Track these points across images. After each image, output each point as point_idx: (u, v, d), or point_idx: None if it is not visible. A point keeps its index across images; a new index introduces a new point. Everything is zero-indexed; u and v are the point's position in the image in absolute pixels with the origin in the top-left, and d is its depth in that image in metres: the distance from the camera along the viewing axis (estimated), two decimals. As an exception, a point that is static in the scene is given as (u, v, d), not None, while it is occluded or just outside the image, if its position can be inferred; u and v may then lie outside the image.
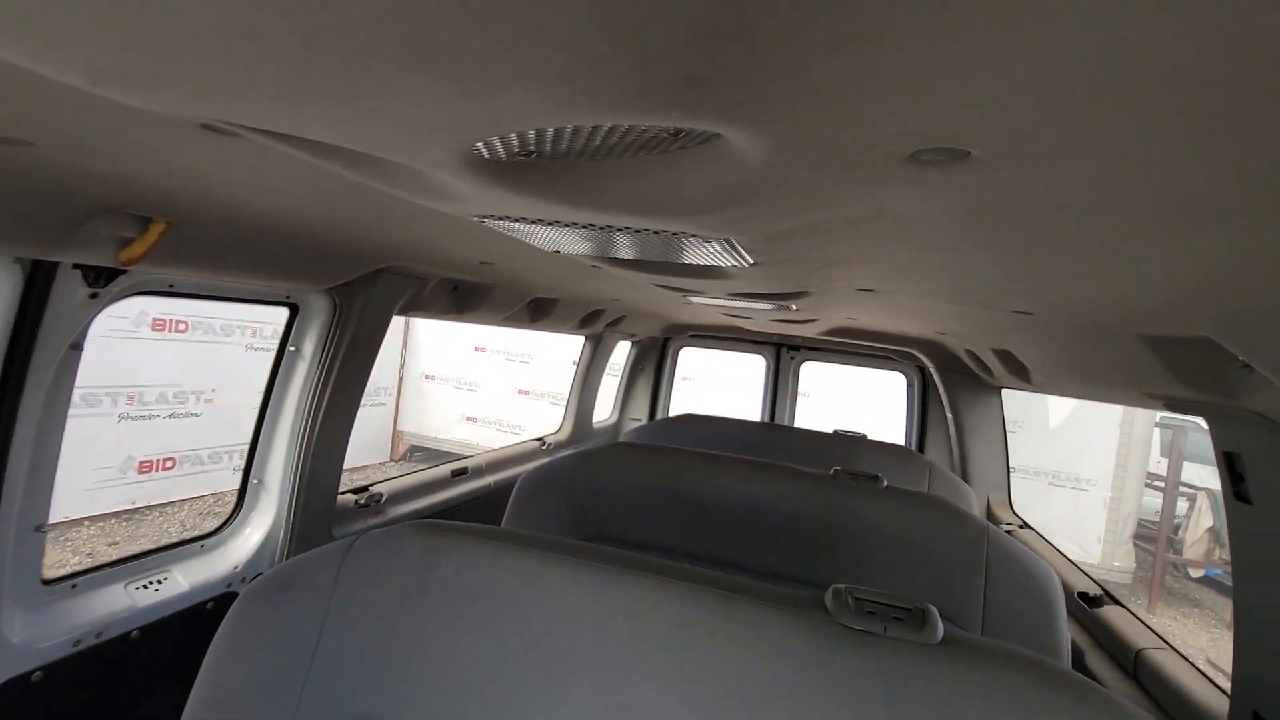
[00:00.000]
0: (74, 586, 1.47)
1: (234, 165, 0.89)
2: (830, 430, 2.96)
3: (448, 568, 0.92)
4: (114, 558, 1.62)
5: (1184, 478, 7.42)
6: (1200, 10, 0.29)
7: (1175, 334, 1.20)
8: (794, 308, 2.08)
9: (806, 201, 0.68)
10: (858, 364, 4.15)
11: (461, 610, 0.88)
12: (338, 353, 1.89)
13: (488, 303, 2.39)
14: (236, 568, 1.81)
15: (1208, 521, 7.13)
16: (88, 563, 4.94)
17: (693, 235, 0.88)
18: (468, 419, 8.42)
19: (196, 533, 1.87)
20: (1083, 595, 2.22)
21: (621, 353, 4.38)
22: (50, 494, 1.37)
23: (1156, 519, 7.26)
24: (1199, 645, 6.04)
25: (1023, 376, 2.44)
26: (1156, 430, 7.35)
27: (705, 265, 1.20)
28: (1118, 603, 2.18)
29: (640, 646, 0.81)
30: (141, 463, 5.82)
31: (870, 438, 2.89)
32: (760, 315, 2.60)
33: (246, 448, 1.94)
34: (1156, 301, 1.01)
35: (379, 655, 0.87)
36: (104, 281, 1.29)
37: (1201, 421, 1.42)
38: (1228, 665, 1.36)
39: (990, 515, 3.24)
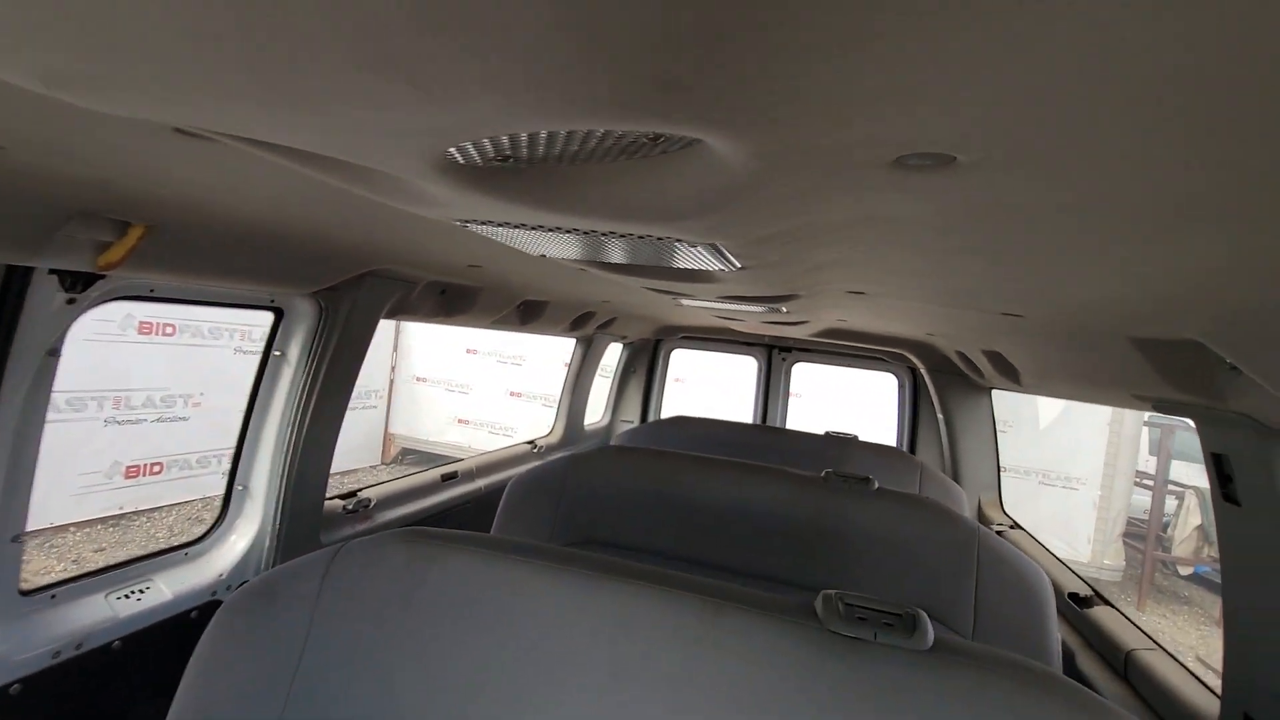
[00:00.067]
0: (53, 597, 1.44)
1: (212, 169, 0.87)
2: (822, 432, 2.96)
3: (434, 576, 0.91)
4: (100, 564, 1.59)
5: (1172, 476, 7.48)
6: (1188, 15, 0.29)
7: (1164, 337, 1.20)
8: (784, 310, 2.08)
9: (791, 206, 0.67)
10: (849, 365, 4.16)
11: (448, 619, 0.87)
12: (324, 357, 1.87)
13: (477, 306, 2.37)
14: (221, 575, 1.79)
15: (1196, 519, 7.19)
16: (73, 569, 4.88)
17: (678, 240, 0.87)
18: (459, 421, 8.38)
19: (180, 540, 1.84)
20: (1073, 596, 2.23)
21: (613, 354, 4.37)
22: (28, 504, 1.34)
23: (1146, 517, 7.32)
24: (1188, 643, 6.09)
25: (1013, 378, 2.44)
26: (1145, 429, 7.41)
27: (693, 269, 1.19)
28: (1108, 603, 2.18)
29: (629, 655, 0.80)
30: (128, 467, 5.75)
31: (861, 439, 2.89)
32: (751, 317, 2.59)
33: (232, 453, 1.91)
34: (1145, 305, 1.01)
35: (364, 666, 0.86)
36: (81, 287, 1.27)
37: (1189, 420, 1.42)
38: (1217, 663, 1.36)
39: (981, 516, 3.25)
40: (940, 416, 3.49)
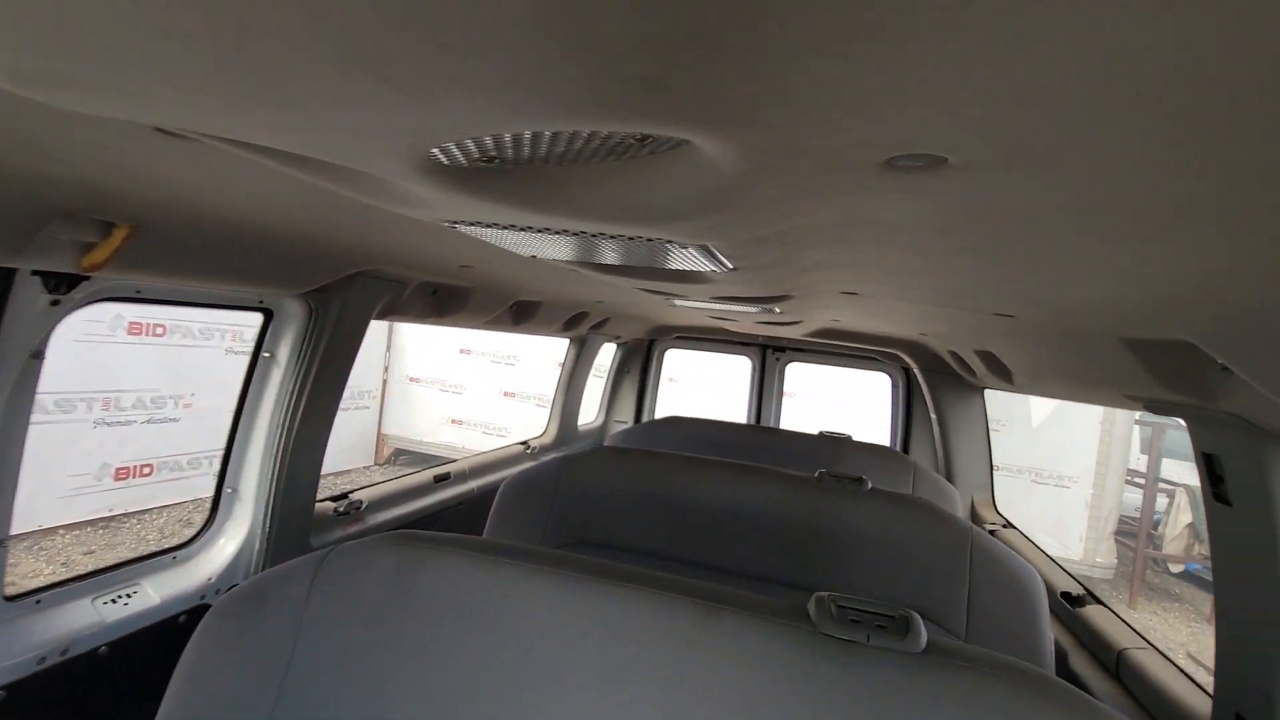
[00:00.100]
0: (38, 602, 1.42)
1: (197, 169, 0.86)
2: (815, 431, 2.96)
3: (423, 580, 0.90)
4: (88, 568, 1.57)
5: (1163, 474, 7.53)
6: (1180, 17, 0.28)
7: (1156, 337, 1.20)
8: (778, 310, 2.08)
9: (783, 208, 0.67)
10: (843, 365, 4.16)
11: (438, 623, 0.86)
12: (314, 358, 1.86)
13: (469, 306, 2.36)
14: (210, 579, 1.77)
15: (1186, 517, 7.24)
16: (63, 572, 4.84)
17: (669, 241, 0.86)
18: (453, 422, 8.36)
19: (169, 543, 1.83)
20: (1065, 595, 2.24)
21: (607, 354, 4.36)
22: (11, 507, 1.32)
23: (1137, 515, 7.36)
24: (1179, 640, 6.13)
25: (1005, 377, 2.45)
26: (1136, 428, 7.46)
27: (685, 270, 1.18)
28: (1100, 602, 2.19)
29: (621, 658, 0.80)
30: (118, 469, 5.71)
31: (855, 438, 2.89)
32: (744, 317, 2.59)
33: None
34: (1137, 306, 1.01)
35: (354, 670, 0.85)
36: (65, 288, 1.25)
37: (1180, 419, 1.43)
38: (1208, 659, 1.37)
39: (974, 515, 3.25)
40: (933, 416, 3.50)
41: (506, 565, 0.90)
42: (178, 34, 0.30)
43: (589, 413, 4.37)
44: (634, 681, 0.78)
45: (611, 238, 0.86)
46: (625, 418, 4.49)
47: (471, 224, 0.89)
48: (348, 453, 7.83)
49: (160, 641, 1.60)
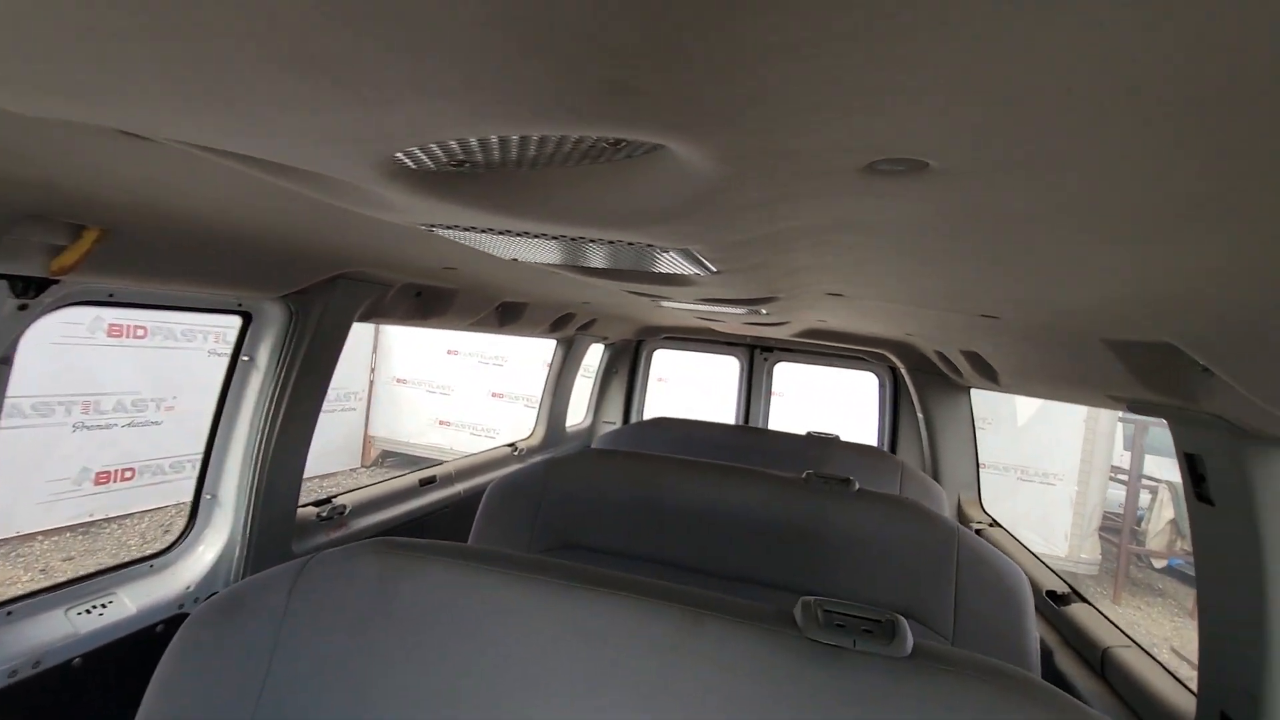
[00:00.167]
0: (9, 614, 1.39)
1: (168, 171, 0.84)
2: (803, 432, 2.97)
3: (404, 588, 0.89)
4: (69, 574, 1.54)
5: (1146, 470, 7.63)
6: (1157, 21, 0.27)
7: (1138, 339, 1.21)
8: (764, 311, 2.07)
9: (763, 212, 0.66)
10: (830, 365, 4.17)
11: (419, 632, 0.85)
12: (294, 362, 1.83)
13: (453, 308, 2.34)
14: (189, 588, 1.74)
15: (1169, 513, 7.34)
16: (41, 579, 4.76)
17: (649, 245, 0.85)
18: (441, 423, 8.30)
19: (151, 549, 1.79)
20: (1051, 594, 2.25)
21: (595, 355, 4.34)
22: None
23: (1121, 511, 7.45)
24: (1163, 634, 6.21)
25: (991, 377, 2.46)
26: (1119, 425, 7.55)
27: (670, 273, 1.18)
28: (1085, 600, 2.21)
29: (605, 666, 0.79)
30: (99, 473, 5.62)
31: (843, 439, 2.90)
32: (731, 318, 2.59)
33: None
34: (1118, 308, 1.01)
35: (334, 680, 0.84)
36: (34, 292, 1.22)
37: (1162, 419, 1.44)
38: (1191, 654, 1.38)
39: (961, 514, 3.27)
40: (920, 416, 3.52)
41: (488, 572, 0.89)
42: (109, 34, 0.28)
43: (577, 414, 4.36)
44: (618, 689, 0.78)
45: (592, 241, 0.85)
46: (614, 418, 4.48)
47: (449, 228, 0.87)
48: (334, 455, 7.76)
49: (137, 652, 1.57)
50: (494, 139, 0.45)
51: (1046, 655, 1.96)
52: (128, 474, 5.80)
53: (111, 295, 1.43)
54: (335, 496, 2.35)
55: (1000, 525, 3.10)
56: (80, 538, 5.49)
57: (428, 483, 2.83)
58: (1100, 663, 1.83)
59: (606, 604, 0.84)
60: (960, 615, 1.48)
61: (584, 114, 0.37)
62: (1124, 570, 7.14)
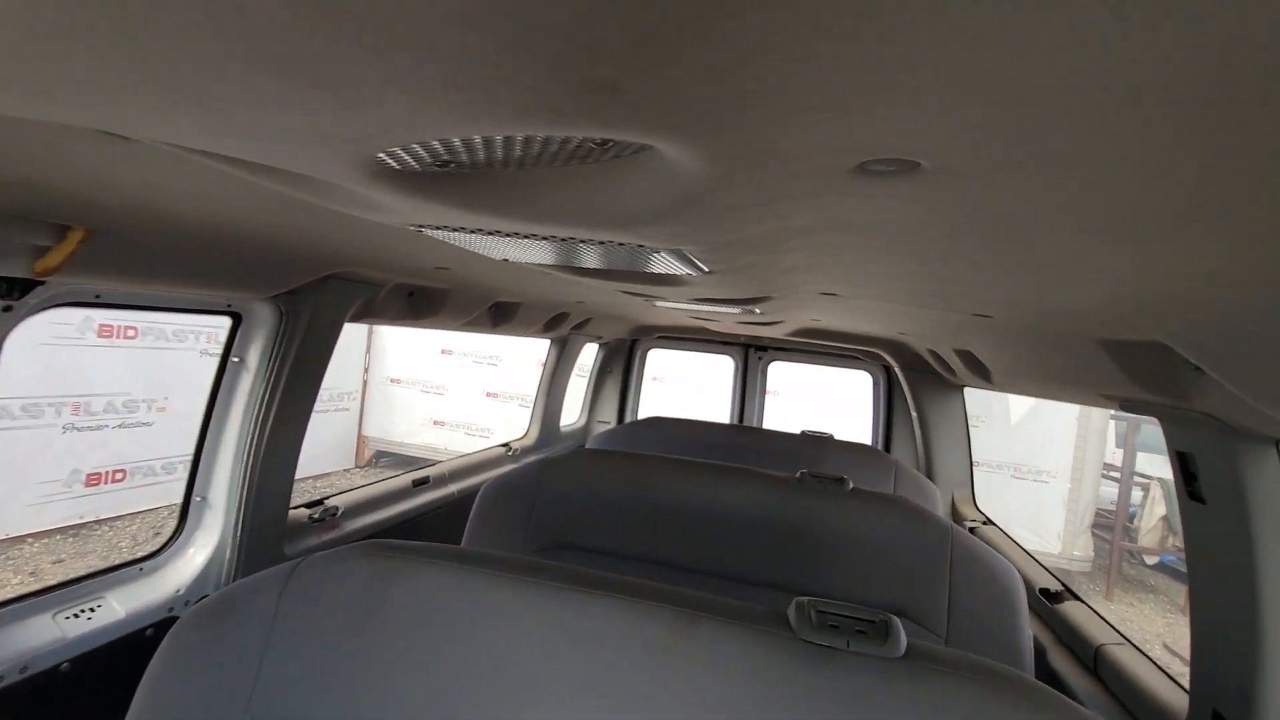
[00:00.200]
0: (-5, 619, 1.37)
1: (154, 171, 0.83)
2: (798, 431, 2.97)
3: (395, 591, 0.89)
4: (59, 576, 1.53)
5: (1138, 468, 7.67)
6: (1149, 21, 0.27)
7: (1129, 338, 1.21)
8: (758, 311, 2.07)
9: (754, 212, 0.65)
10: (824, 363, 4.18)
11: (410, 635, 0.85)
12: (285, 363, 1.81)
13: (446, 308, 2.33)
14: (179, 591, 1.72)
15: (1161, 510, 7.38)
16: (31, 582, 4.72)
17: (640, 245, 0.85)
18: (435, 423, 8.28)
19: (143, 551, 1.78)
20: (1044, 591, 2.26)
21: (589, 354, 4.34)
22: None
23: (1113, 508, 7.49)
24: (1155, 630, 6.24)
25: (984, 376, 2.47)
26: (1111, 422, 7.59)
27: (663, 273, 1.17)
28: (1078, 598, 2.21)
29: (601, 668, 0.79)
30: (89, 475, 5.58)
31: (837, 437, 2.90)
32: (725, 318, 2.59)
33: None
34: (1111, 308, 1.01)
35: (325, 684, 0.84)
36: (19, 293, 1.21)
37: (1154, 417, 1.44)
38: (1184, 649, 1.38)
39: (954, 512, 3.28)
40: (914, 414, 3.53)
41: (480, 574, 0.88)
42: (82, 32, 0.28)
43: (572, 414, 4.35)
44: (611, 691, 0.78)
45: (583, 242, 0.84)
46: (608, 418, 4.47)
47: (437, 228, 0.86)
48: (327, 455, 7.73)
49: (126, 656, 1.55)
50: (478, 139, 0.45)
51: (1040, 653, 1.97)
52: (119, 475, 5.77)
53: (98, 296, 1.42)
54: (328, 498, 2.34)
55: (994, 523, 3.11)
56: (71, 540, 5.45)
57: (421, 483, 2.82)
58: (1093, 660, 1.84)
59: (600, 606, 0.84)
60: (954, 614, 1.48)
61: (567, 114, 0.37)
62: (1117, 567, 7.18)
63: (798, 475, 1.70)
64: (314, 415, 1.97)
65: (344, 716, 0.81)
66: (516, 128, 0.40)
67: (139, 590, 1.66)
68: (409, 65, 0.30)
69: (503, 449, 3.65)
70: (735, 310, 2.05)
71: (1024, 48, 0.30)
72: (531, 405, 4.04)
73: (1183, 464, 1.36)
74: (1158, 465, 7.35)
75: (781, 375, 4.56)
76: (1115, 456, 7.80)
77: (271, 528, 1.93)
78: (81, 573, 1.59)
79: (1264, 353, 0.84)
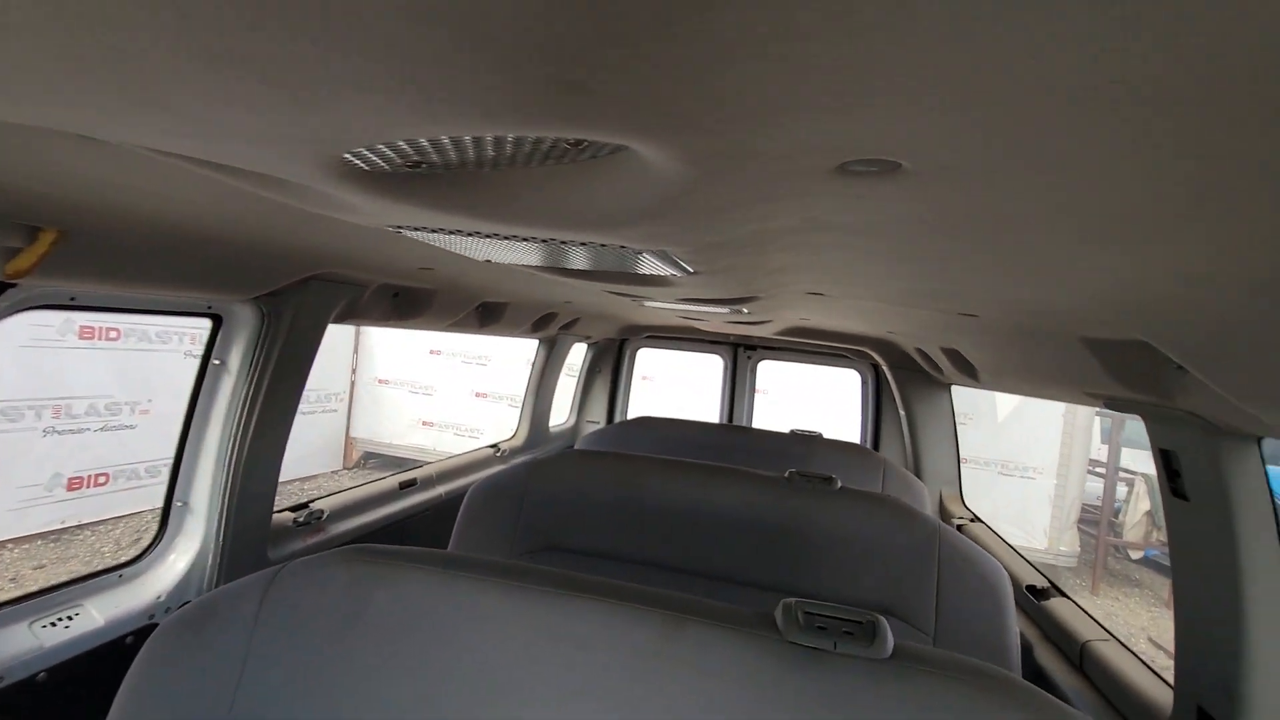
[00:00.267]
0: (-32, 629, 1.34)
1: (126, 172, 0.81)
2: (787, 430, 2.97)
3: (379, 596, 0.88)
4: (41, 582, 1.50)
5: (1123, 463, 7.76)
6: (1129, 22, 0.26)
7: (1113, 337, 1.22)
8: (745, 310, 2.07)
9: (736, 213, 0.65)
10: (813, 362, 4.19)
11: (394, 641, 0.84)
12: (267, 365, 1.79)
13: (432, 309, 2.30)
14: (160, 597, 1.69)
15: (1145, 505, 7.47)
16: (11, 588, 4.64)
17: (622, 246, 0.84)
18: (424, 424, 8.23)
19: (126, 556, 1.75)
20: (1030, 588, 2.27)
21: (578, 354, 4.32)
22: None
23: (1099, 504, 7.57)
24: (1140, 624, 6.32)
25: (971, 374, 2.48)
26: (1096, 419, 7.67)
27: (648, 274, 1.16)
28: (1063, 594, 2.23)
29: (588, 672, 0.78)
30: (71, 479, 5.50)
31: (826, 436, 2.91)
32: (714, 318, 2.58)
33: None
34: (1093, 307, 1.01)
35: (307, 692, 0.82)
36: (-11, 296, 1.18)
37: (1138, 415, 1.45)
38: (1168, 643, 1.39)
39: (942, 509, 3.30)
40: (902, 413, 3.54)
41: (464, 579, 0.88)
42: (17, 26, 0.26)
43: (561, 413, 4.33)
44: (598, 695, 0.77)
45: (565, 243, 0.83)
46: (597, 418, 4.46)
47: (416, 229, 0.85)
48: (315, 457, 7.67)
49: (106, 665, 1.53)
50: (446, 140, 0.43)
51: (1026, 650, 1.98)
52: (101, 479, 5.69)
53: (73, 299, 1.39)
54: (313, 501, 2.31)
55: (981, 520, 3.13)
56: (52, 545, 5.37)
57: (408, 485, 2.79)
58: (1079, 657, 1.85)
59: (586, 609, 0.83)
60: (942, 612, 1.48)
61: (535, 114, 0.36)
62: (1102, 562, 7.26)
63: (786, 475, 1.70)
64: (301, 417, 1.95)
65: None
66: (484, 128, 0.39)
67: (118, 597, 1.63)
68: (364, 63, 0.29)
69: (491, 450, 3.63)
70: (723, 310, 2.05)
71: (1002, 49, 0.30)
72: (520, 405, 4.02)
73: (1166, 461, 1.37)
74: (1142, 461, 7.44)
75: (771, 374, 4.56)
76: (1100, 452, 7.89)
77: (255, 532, 1.90)
78: (63, 579, 1.56)
79: (1246, 352, 0.85)
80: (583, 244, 0.83)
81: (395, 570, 0.89)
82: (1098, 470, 7.72)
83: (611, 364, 4.47)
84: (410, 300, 2.22)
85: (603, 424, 4.39)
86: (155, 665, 0.87)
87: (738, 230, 0.74)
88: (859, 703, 0.74)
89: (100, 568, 1.65)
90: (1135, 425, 7.57)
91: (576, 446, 2.80)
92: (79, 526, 5.60)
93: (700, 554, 1.61)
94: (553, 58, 0.28)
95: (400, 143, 0.43)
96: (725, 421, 4.29)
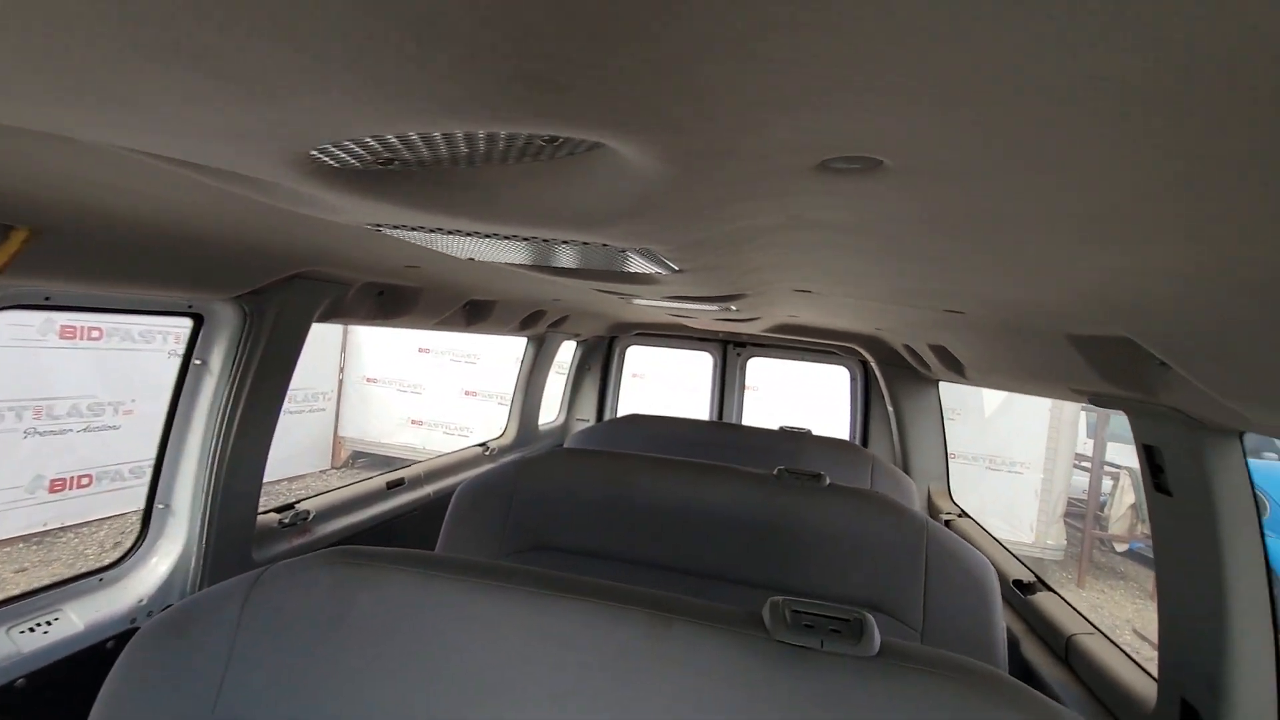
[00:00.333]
0: (-56, 636, 1.32)
1: (97, 169, 0.79)
2: (776, 426, 2.98)
3: (363, 599, 0.87)
4: (22, 586, 1.47)
5: (1108, 457, 7.84)
6: (1113, 19, 0.26)
7: (1097, 334, 1.22)
8: (734, 308, 2.07)
9: (717, 211, 0.64)
10: (802, 359, 4.20)
11: (378, 644, 0.83)
12: (250, 365, 1.76)
13: (418, 307, 2.29)
14: (141, 601, 1.67)
15: (1130, 498, 7.56)
16: (-8, 592, 4.57)
17: (604, 245, 0.83)
18: (413, 422, 8.18)
19: (102, 561, 1.72)
20: (1017, 583, 2.29)
21: (567, 352, 4.31)
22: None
23: (1085, 497, 7.65)
24: (1125, 616, 6.39)
25: (958, 371, 2.49)
26: (1082, 414, 7.74)
27: (634, 272, 1.15)
28: (1049, 589, 2.25)
29: (574, 673, 0.78)
30: (53, 481, 5.42)
31: (815, 433, 2.92)
32: (703, 315, 2.58)
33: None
34: (1076, 304, 1.02)
35: (290, 696, 0.82)
36: (-40, 297, 1.15)
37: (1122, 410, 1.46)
38: (1153, 634, 1.41)
39: (930, 505, 3.32)
40: (890, 409, 3.56)
41: (449, 580, 0.87)
42: None
43: (550, 411, 4.32)
44: (585, 695, 0.77)
45: (547, 241, 0.83)
46: (587, 416, 4.45)
47: (395, 228, 0.84)
48: (302, 457, 7.60)
49: (86, 670, 1.50)
50: (415, 136, 0.42)
51: (1013, 644, 2.00)
52: (84, 481, 5.61)
53: (48, 299, 1.36)
54: (298, 502, 2.29)
55: (969, 515, 3.15)
56: (35, 548, 5.30)
57: (396, 485, 2.77)
58: (1065, 650, 1.87)
59: (572, 609, 0.83)
60: (929, 608, 1.49)
61: (503, 109, 0.35)
62: (1088, 555, 7.34)
63: (775, 472, 1.70)
64: (288, 416, 1.93)
65: None
66: (451, 124, 0.38)
67: (98, 602, 1.60)
68: (317, 57, 0.28)
69: (480, 449, 3.61)
70: (711, 307, 2.04)
71: (982, 47, 0.29)
72: (509, 404, 4.00)
73: (1149, 457, 1.38)
74: (1127, 455, 7.52)
75: (760, 371, 4.57)
76: (1086, 447, 7.97)
77: (239, 534, 1.88)
78: (46, 582, 1.53)
79: (1227, 349, 0.85)
80: (566, 242, 0.82)
81: (379, 572, 0.89)
82: (1083, 464, 7.80)
83: (601, 361, 4.46)
84: (396, 298, 2.20)
85: (592, 422, 4.38)
86: (135, 669, 0.86)
87: (721, 228, 0.74)
88: (846, 701, 0.74)
89: (82, 571, 1.63)
90: (1120, 420, 7.65)
91: (566, 445, 2.79)
92: (62, 529, 5.53)
93: (689, 552, 1.61)
94: (516, 52, 0.27)
95: (369, 139, 0.42)
96: (715, 418, 4.30)
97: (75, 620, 1.52)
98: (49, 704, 1.44)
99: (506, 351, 7.50)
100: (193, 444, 1.77)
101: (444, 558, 0.93)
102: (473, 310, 2.70)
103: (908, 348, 2.90)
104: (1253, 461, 1.28)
